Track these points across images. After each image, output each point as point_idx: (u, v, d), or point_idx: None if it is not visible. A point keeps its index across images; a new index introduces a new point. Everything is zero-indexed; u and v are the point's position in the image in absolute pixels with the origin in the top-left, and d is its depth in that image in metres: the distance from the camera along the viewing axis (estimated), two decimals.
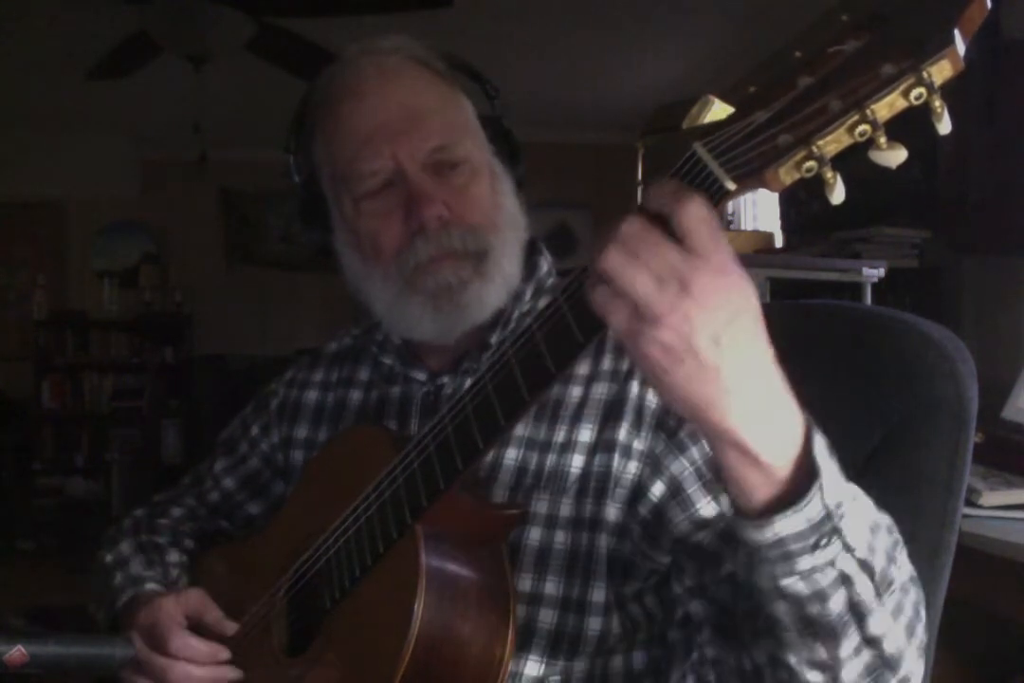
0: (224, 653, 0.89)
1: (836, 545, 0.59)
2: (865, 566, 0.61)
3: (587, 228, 5.74)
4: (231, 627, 0.91)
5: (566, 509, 0.85)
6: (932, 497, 0.91)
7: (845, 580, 0.61)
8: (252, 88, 4.24)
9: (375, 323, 1.01)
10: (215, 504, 1.14)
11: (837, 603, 0.61)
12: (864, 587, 0.62)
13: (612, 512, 0.84)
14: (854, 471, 0.93)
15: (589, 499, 0.85)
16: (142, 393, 5.69)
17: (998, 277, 2.56)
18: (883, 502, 0.92)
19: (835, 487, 0.59)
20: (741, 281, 0.55)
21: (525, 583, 0.84)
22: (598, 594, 0.84)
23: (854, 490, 0.63)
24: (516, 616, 0.76)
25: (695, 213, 0.54)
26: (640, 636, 0.87)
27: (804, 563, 0.59)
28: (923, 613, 0.70)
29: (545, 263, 1.00)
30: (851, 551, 0.60)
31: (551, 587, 0.84)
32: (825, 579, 0.60)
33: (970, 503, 1.64)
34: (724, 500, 0.62)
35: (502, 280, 0.91)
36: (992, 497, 1.67)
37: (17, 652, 0.74)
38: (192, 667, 0.87)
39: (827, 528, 0.58)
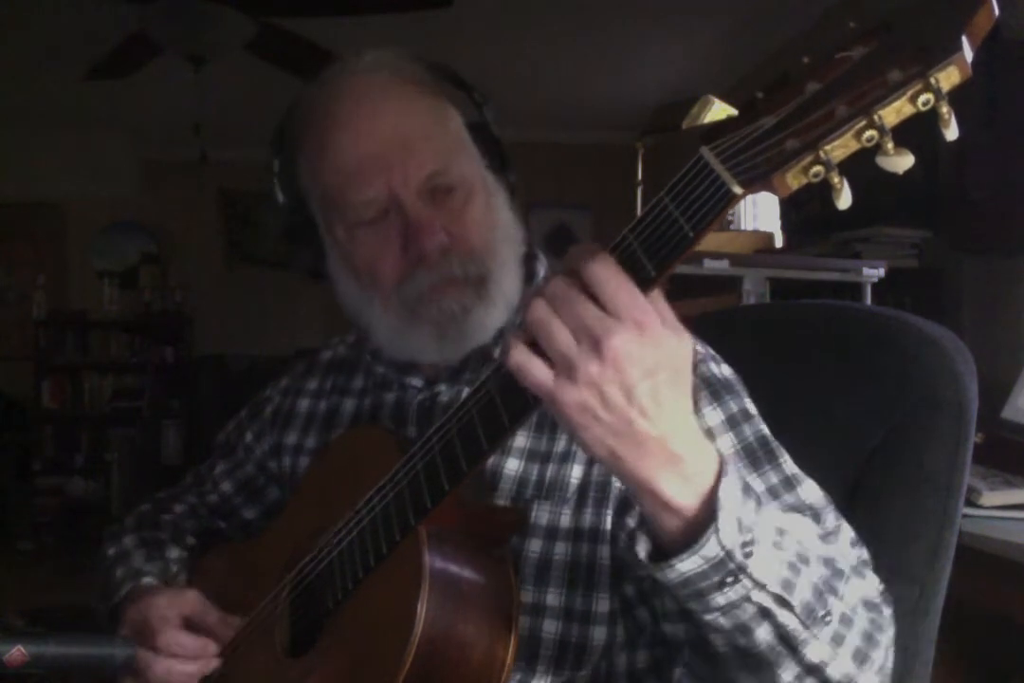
0: (212, 646, 0.89)
1: (744, 582, 0.61)
2: (781, 601, 0.63)
3: (587, 229, 5.74)
4: (234, 625, 0.91)
5: (566, 520, 0.85)
6: (932, 497, 0.92)
7: (765, 614, 0.62)
8: (252, 88, 4.23)
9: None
10: (214, 505, 1.15)
11: (763, 635, 0.63)
12: (788, 619, 0.63)
13: (609, 521, 0.84)
14: (854, 471, 0.94)
15: (589, 509, 0.85)
16: (142, 393, 5.68)
17: (998, 277, 2.56)
18: (883, 501, 0.92)
19: (739, 526, 0.60)
20: (660, 337, 0.57)
21: (527, 595, 0.83)
22: (602, 604, 0.84)
23: (781, 525, 0.65)
24: (519, 617, 0.76)
25: (599, 274, 0.56)
26: (643, 637, 0.87)
27: (718, 600, 0.61)
28: (879, 638, 0.71)
29: (543, 269, 0.99)
30: (763, 587, 0.61)
31: (553, 598, 0.84)
32: (745, 614, 0.62)
33: (970, 503, 1.64)
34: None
35: (503, 301, 0.91)
36: (992, 497, 1.67)
37: (17, 652, 0.74)
38: (176, 662, 0.88)
39: (729, 567, 0.60)
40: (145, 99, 4.62)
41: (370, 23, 3.10)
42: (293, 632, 0.89)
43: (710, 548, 0.59)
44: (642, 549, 0.63)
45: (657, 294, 0.59)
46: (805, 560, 0.65)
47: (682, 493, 0.59)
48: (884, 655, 0.71)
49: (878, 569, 0.79)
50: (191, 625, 0.90)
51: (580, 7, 3.71)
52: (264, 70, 3.62)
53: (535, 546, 0.85)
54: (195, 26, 3.22)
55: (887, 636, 0.72)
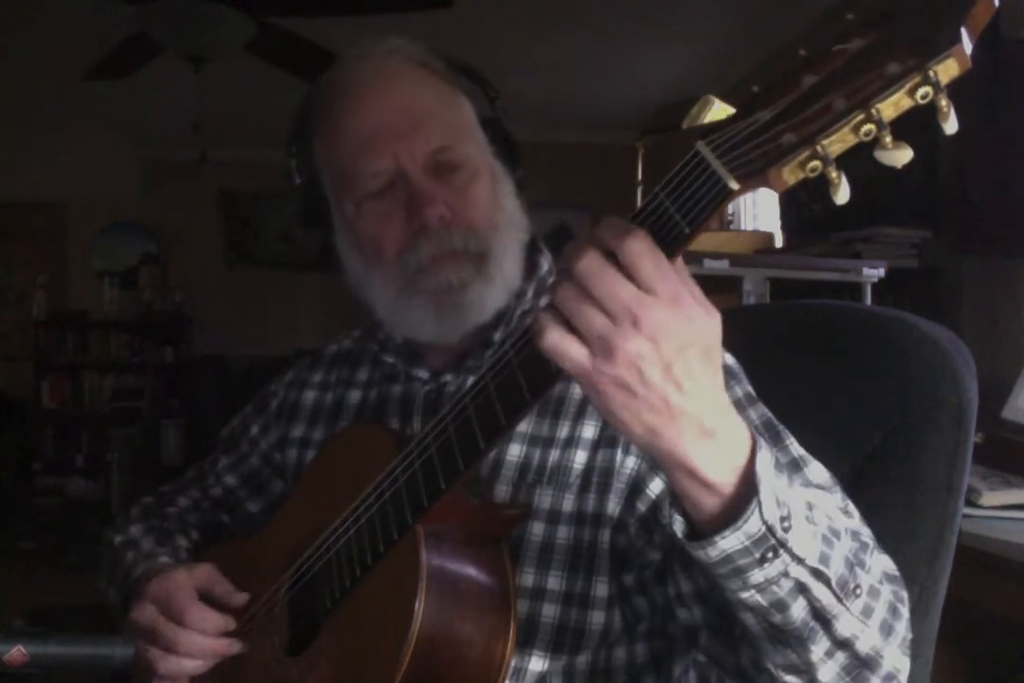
0: (231, 623, 0.89)
1: (784, 557, 0.60)
2: (818, 574, 0.62)
3: (587, 229, 5.73)
4: (241, 599, 0.91)
5: (569, 504, 0.85)
6: (932, 497, 0.92)
7: (802, 589, 0.62)
8: (252, 88, 4.23)
9: (375, 323, 1.01)
10: (218, 498, 1.15)
11: (798, 611, 0.63)
12: (823, 593, 0.63)
13: (612, 507, 0.85)
14: (854, 471, 0.94)
15: (592, 494, 0.85)
16: (142, 393, 5.69)
17: (998, 277, 2.56)
18: (883, 502, 0.92)
19: (776, 501, 0.60)
20: (692, 312, 0.56)
21: (528, 578, 0.84)
22: (601, 588, 0.84)
23: (810, 499, 0.65)
24: (517, 616, 0.76)
25: (636, 248, 0.55)
26: (641, 628, 0.88)
27: (756, 577, 0.61)
28: (902, 610, 0.71)
29: (546, 262, 1.00)
30: (801, 561, 0.61)
31: (554, 582, 0.84)
32: (782, 590, 0.62)
33: (970, 503, 1.64)
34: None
35: (503, 281, 0.91)
36: (992, 497, 1.67)
37: (17, 652, 0.74)
38: (200, 637, 0.87)
39: (770, 542, 0.60)
40: (145, 99, 4.62)
41: (370, 23, 3.10)
42: (292, 631, 0.89)
43: (752, 523, 0.59)
44: (679, 529, 0.63)
45: (686, 272, 0.58)
46: (836, 533, 0.65)
47: (719, 469, 0.59)
48: (905, 628, 0.71)
49: None
50: (201, 598, 0.90)
51: (580, 7, 3.71)
52: (264, 70, 3.63)
53: (538, 530, 0.85)
54: (195, 26, 3.22)
55: (907, 610, 0.72)
